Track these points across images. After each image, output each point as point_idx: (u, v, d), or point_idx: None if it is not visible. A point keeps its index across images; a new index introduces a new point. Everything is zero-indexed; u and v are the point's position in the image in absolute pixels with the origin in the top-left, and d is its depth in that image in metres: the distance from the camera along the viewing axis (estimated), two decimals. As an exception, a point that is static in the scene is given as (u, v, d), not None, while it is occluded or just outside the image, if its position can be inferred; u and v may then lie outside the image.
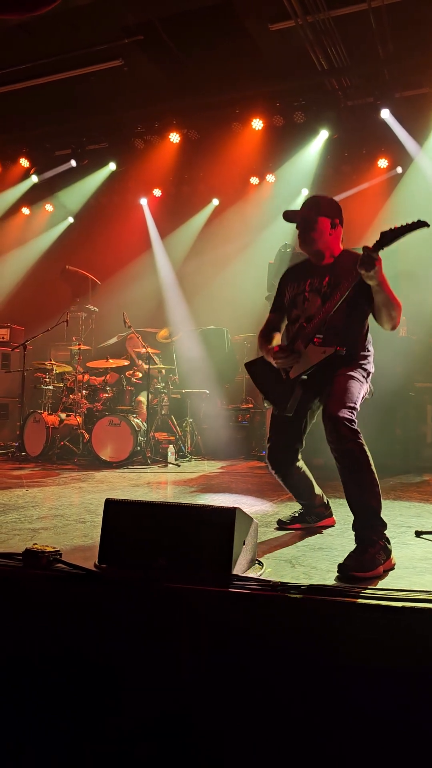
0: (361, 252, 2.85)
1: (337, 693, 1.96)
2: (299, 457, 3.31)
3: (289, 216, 3.15)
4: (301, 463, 3.32)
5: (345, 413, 2.76)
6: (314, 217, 3.08)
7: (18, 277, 10.23)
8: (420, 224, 2.75)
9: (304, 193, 8.88)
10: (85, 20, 6.73)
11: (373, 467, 2.69)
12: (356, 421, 2.78)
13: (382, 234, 2.77)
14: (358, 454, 2.69)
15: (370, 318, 3.05)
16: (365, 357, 3.07)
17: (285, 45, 7.03)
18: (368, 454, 2.70)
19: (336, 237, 3.13)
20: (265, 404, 3.35)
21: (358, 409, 2.86)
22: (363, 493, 2.67)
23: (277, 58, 7.37)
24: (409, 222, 2.76)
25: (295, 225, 3.15)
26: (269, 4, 6.34)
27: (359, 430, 2.75)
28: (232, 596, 2.13)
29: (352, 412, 2.79)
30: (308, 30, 6.61)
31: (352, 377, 2.94)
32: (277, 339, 3.31)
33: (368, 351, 3.11)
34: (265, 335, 3.33)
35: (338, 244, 3.16)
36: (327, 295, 3.02)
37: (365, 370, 3.04)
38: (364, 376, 3.01)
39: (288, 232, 8.91)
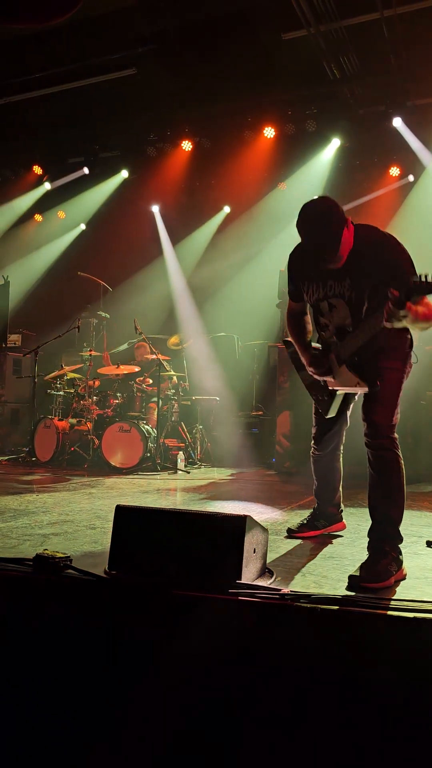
0: (374, 241, 2.72)
1: (345, 705, 1.94)
2: (342, 440, 3.29)
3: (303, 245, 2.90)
4: (340, 452, 3.32)
5: (388, 419, 2.71)
6: (337, 238, 2.66)
7: (30, 284, 10.30)
8: None
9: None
10: (99, 30, 6.81)
11: (403, 479, 2.67)
12: (397, 423, 2.73)
13: (415, 285, 2.44)
14: (392, 463, 2.67)
15: None
16: (403, 337, 2.82)
17: (297, 54, 7.06)
18: (402, 465, 2.68)
19: (347, 239, 2.73)
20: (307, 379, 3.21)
21: (399, 405, 2.77)
22: (387, 503, 2.66)
23: (290, 67, 7.41)
24: None
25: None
26: (282, 13, 6.38)
27: (397, 438, 2.72)
28: (242, 604, 2.12)
29: (393, 417, 2.73)
30: (321, 39, 6.64)
31: (396, 371, 2.79)
32: (308, 325, 3.15)
33: (406, 329, 2.79)
34: (295, 324, 3.14)
35: (348, 240, 2.77)
36: (352, 302, 2.82)
37: (406, 353, 2.84)
38: (406, 361, 2.83)
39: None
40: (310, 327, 3.18)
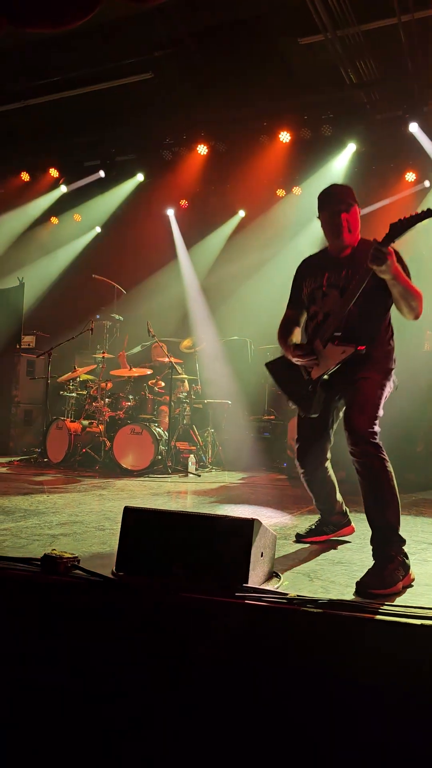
0: (374, 239, 2.80)
1: (353, 711, 1.93)
2: (328, 456, 3.27)
3: (322, 209, 3.08)
4: (328, 465, 3.29)
5: (368, 426, 2.73)
6: (352, 206, 3.02)
7: (45, 286, 10.36)
8: (429, 214, 2.66)
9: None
10: (117, 34, 6.85)
11: (394, 482, 2.66)
12: (379, 432, 2.75)
13: (392, 226, 2.69)
14: (379, 468, 2.66)
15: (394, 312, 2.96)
16: (387, 353, 2.97)
17: (314, 59, 7.06)
18: (390, 469, 2.67)
19: (356, 223, 3.06)
20: (290, 404, 3.32)
21: (381, 414, 2.81)
22: (382, 508, 2.64)
23: (306, 72, 7.40)
24: (418, 212, 2.68)
25: (325, 218, 3.06)
26: (299, 18, 6.38)
27: (381, 443, 2.72)
28: (248, 608, 2.11)
29: (374, 424, 2.75)
30: (338, 44, 6.63)
31: (374, 381, 2.86)
32: (297, 334, 3.23)
33: (390, 346, 2.99)
34: (284, 331, 3.24)
35: (357, 228, 3.07)
36: (345, 290, 2.94)
37: (387, 368, 2.94)
38: (386, 377, 2.91)
39: (313, 244, 8.90)
40: (298, 338, 3.24)
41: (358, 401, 2.82)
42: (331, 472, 3.32)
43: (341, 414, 3.09)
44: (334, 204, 3.02)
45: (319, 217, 3.12)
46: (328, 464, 3.29)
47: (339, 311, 2.93)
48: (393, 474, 2.67)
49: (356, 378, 2.88)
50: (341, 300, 2.94)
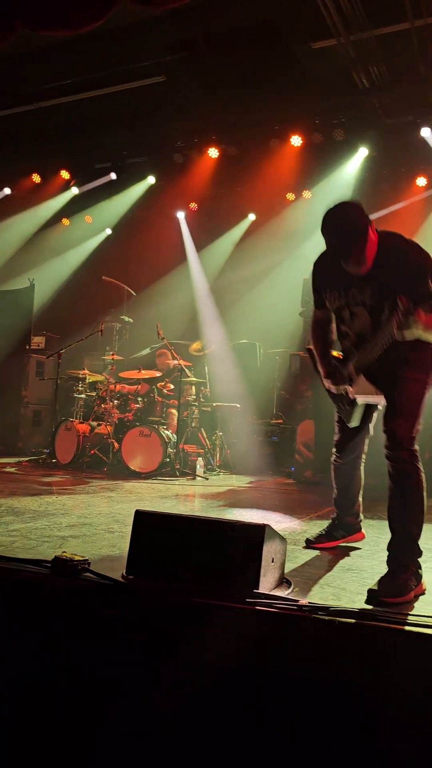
0: (399, 248, 2.74)
1: (362, 720, 1.92)
2: (365, 449, 3.26)
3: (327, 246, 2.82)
4: (363, 460, 3.29)
5: (408, 432, 2.67)
6: (361, 239, 2.68)
7: (55, 287, 10.41)
8: None
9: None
10: (130, 37, 6.88)
11: (423, 493, 2.64)
12: (418, 434, 2.70)
13: (419, 295, 2.56)
14: (411, 476, 2.64)
15: None
16: (427, 348, 2.76)
17: (326, 63, 7.06)
18: (422, 478, 2.64)
19: (371, 244, 2.73)
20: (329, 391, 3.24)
21: (421, 419, 2.73)
22: (406, 516, 2.63)
23: (318, 76, 7.40)
24: None
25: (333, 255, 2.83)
26: (312, 22, 6.38)
27: (418, 450, 2.68)
28: (259, 614, 2.11)
29: (414, 429, 2.69)
30: (350, 48, 6.62)
31: (417, 382, 2.75)
32: (332, 335, 3.16)
33: (429, 342, 2.75)
34: (319, 332, 3.16)
35: (373, 246, 2.77)
36: (374, 310, 2.81)
37: (428, 364, 2.79)
38: (428, 374, 2.79)
39: (323, 247, 8.89)
40: (333, 336, 3.18)
41: (399, 404, 2.73)
42: (362, 469, 3.32)
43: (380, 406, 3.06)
44: (339, 253, 2.75)
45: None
46: (363, 459, 3.28)
47: (370, 352, 2.81)
48: (424, 484, 2.64)
49: (400, 376, 2.76)
50: (372, 341, 2.79)
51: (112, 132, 9.00)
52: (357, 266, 2.76)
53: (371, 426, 3.23)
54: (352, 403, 3.03)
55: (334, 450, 3.31)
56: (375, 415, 3.20)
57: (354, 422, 3.07)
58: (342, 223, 2.71)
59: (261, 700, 2.05)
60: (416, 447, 2.69)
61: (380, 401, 2.89)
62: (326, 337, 3.18)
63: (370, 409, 3.14)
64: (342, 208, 2.75)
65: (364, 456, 3.31)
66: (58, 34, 6.35)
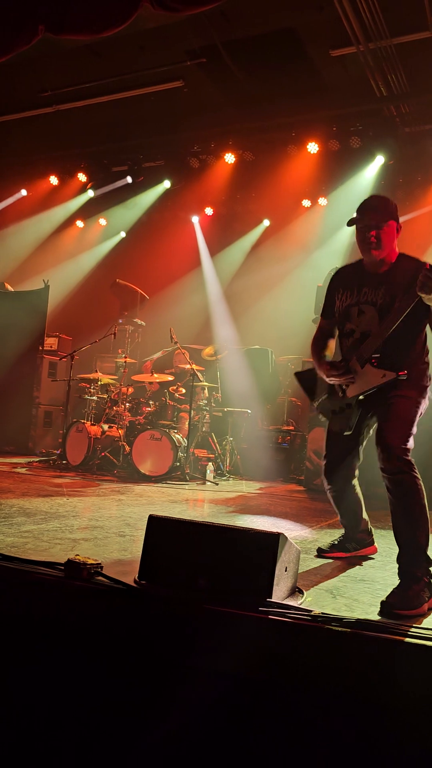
0: (417, 258, 2.82)
1: (374, 732, 1.90)
2: (356, 474, 3.24)
3: (355, 221, 2.96)
4: (356, 482, 3.26)
5: (400, 443, 2.69)
6: (386, 221, 2.91)
7: (69, 288, 10.46)
8: None
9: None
10: (150, 42, 6.92)
11: (424, 501, 2.63)
12: (411, 449, 2.72)
13: None
14: (410, 486, 2.63)
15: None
16: (422, 371, 2.91)
17: (345, 70, 7.07)
18: (421, 487, 2.64)
19: (389, 239, 2.94)
20: (320, 417, 3.28)
21: (414, 433, 2.78)
22: (411, 527, 2.61)
23: (337, 83, 7.42)
24: None
25: (357, 232, 2.97)
26: (331, 30, 6.39)
27: (413, 461, 2.68)
28: (272, 624, 2.10)
29: (407, 441, 2.72)
30: (369, 56, 6.63)
31: (409, 399, 2.83)
32: (332, 346, 3.21)
33: (425, 363, 2.94)
34: (319, 344, 3.21)
35: (395, 248, 3.00)
36: (383, 308, 2.89)
37: (423, 386, 2.89)
38: (421, 394, 2.87)
39: (338, 254, 8.90)
40: (332, 350, 3.21)
41: (391, 418, 2.79)
42: (358, 489, 3.29)
43: (372, 431, 3.07)
44: (366, 219, 2.92)
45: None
46: (355, 481, 3.26)
47: (379, 333, 2.88)
48: (424, 493, 2.63)
49: (391, 395, 2.85)
50: (382, 322, 2.88)
51: (130, 135, 9.05)
52: (374, 249, 2.90)
53: (361, 450, 3.18)
54: (348, 404, 3.02)
55: (323, 477, 3.26)
56: (365, 441, 3.17)
57: (348, 429, 3.03)
58: (378, 200, 3.00)
59: (272, 709, 2.04)
60: (411, 458, 2.69)
61: (390, 377, 2.85)
62: (325, 345, 3.22)
63: (360, 426, 3.08)
64: (382, 196, 3.06)
65: (356, 478, 3.26)
66: (80, 39, 6.40)
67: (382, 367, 2.88)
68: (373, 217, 2.91)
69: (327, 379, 3.07)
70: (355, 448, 3.15)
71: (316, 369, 3.16)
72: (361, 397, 2.97)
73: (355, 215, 2.97)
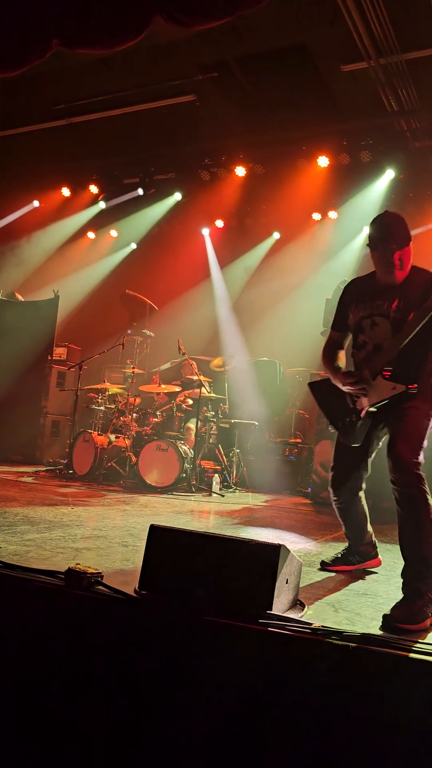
0: (430, 271, 2.84)
1: (374, 746, 1.87)
2: (363, 486, 3.22)
3: (377, 243, 2.95)
4: (362, 494, 3.24)
5: (412, 456, 2.68)
6: (407, 243, 2.92)
7: (79, 299, 10.52)
8: None
9: (366, 231, 8.86)
10: (162, 57, 6.99)
11: None
12: (422, 463, 2.70)
13: None
14: (419, 500, 2.61)
15: None
16: (428, 380, 2.90)
17: (356, 85, 7.10)
18: (430, 502, 2.62)
19: (409, 258, 2.97)
20: (330, 428, 3.26)
21: (426, 445, 2.76)
22: (418, 541, 2.59)
23: (347, 98, 7.46)
24: None
25: (377, 255, 2.97)
26: (342, 45, 6.43)
27: (424, 475, 2.66)
28: (272, 636, 2.08)
29: (418, 455, 2.70)
30: (380, 72, 6.67)
31: (420, 411, 2.83)
32: (342, 357, 3.20)
33: None
34: (330, 354, 3.21)
35: (409, 263, 3.00)
36: (397, 321, 2.90)
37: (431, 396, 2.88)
38: (430, 404, 2.87)
39: (347, 267, 8.90)
40: (343, 361, 3.20)
41: (402, 430, 2.78)
42: (364, 502, 3.27)
43: (381, 443, 3.06)
44: (389, 241, 2.90)
45: (369, 248, 3.01)
46: (362, 494, 3.23)
47: (392, 347, 2.88)
48: None
49: (401, 408, 2.85)
50: (395, 335, 2.88)
51: (141, 148, 9.13)
52: (397, 270, 2.90)
53: (369, 462, 3.16)
54: (358, 416, 3.01)
55: (330, 489, 3.24)
56: (374, 453, 3.15)
57: (357, 440, 3.02)
58: (394, 219, 2.99)
59: (271, 722, 2.02)
60: (422, 472, 2.67)
61: (400, 390, 2.85)
62: (336, 356, 3.20)
63: (369, 438, 3.07)
64: (391, 221, 3.02)
65: (362, 491, 3.24)
66: (93, 53, 6.48)
67: (393, 380, 2.87)
68: (396, 239, 2.91)
69: (342, 387, 3.05)
70: (363, 460, 3.13)
71: (331, 377, 3.14)
72: (372, 408, 2.96)
73: (372, 233, 2.96)
